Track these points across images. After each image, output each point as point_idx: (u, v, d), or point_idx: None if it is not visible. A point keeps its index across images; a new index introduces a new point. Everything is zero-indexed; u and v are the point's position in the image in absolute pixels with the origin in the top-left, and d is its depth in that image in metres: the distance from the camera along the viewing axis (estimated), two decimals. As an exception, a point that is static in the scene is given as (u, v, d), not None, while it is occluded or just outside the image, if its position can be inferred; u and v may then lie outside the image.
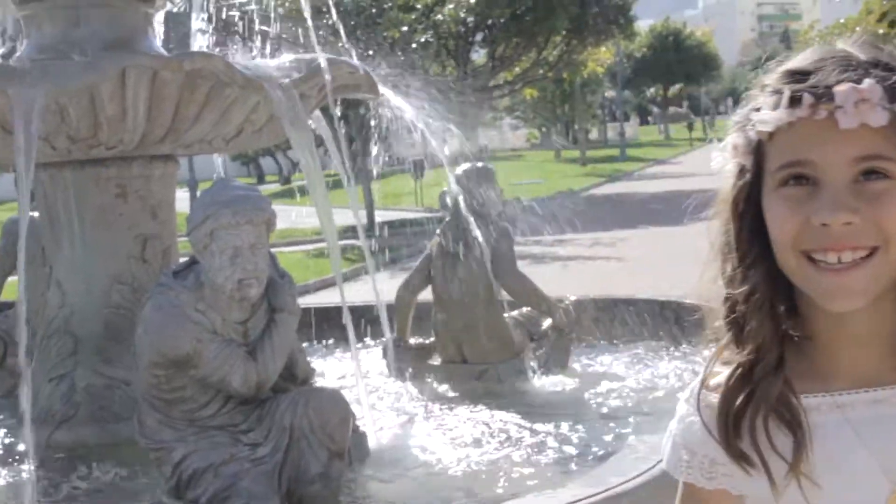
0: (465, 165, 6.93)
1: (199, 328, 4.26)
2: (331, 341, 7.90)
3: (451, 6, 25.13)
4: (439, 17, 25.24)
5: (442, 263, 6.76)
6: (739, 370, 1.27)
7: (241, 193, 4.33)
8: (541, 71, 30.14)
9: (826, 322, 1.24)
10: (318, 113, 6.25)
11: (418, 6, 24.96)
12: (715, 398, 1.31)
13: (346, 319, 5.25)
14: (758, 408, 1.25)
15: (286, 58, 5.49)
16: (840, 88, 1.16)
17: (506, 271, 6.68)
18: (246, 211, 4.23)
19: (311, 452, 4.34)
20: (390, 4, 24.22)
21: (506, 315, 6.85)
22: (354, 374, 5.84)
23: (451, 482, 4.75)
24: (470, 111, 26.40)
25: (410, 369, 6.81)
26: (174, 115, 5.03)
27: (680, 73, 61.57)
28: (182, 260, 4.91)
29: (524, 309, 7.01)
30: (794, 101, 1.18)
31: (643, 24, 52.98)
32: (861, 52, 1.22)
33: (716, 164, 1.30)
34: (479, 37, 28.37)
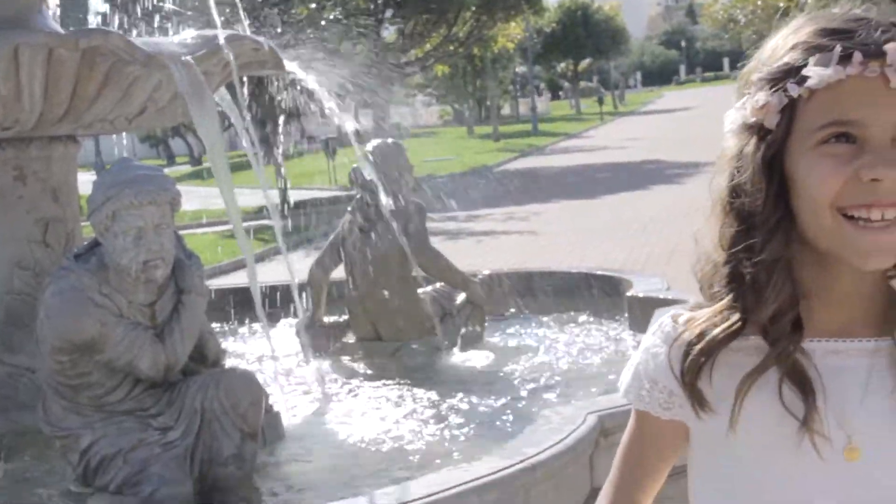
0: (376, 142, 6.88)
1: (103, 312, 4.16)
2: (245, 322, 7.81)
3: (359, -18, 24.94)
4: (348, -7, 25.04)
5: (353, 241, 6.72)
6: (737, 324, 1.28)
7: (143, 173, 4.23)
8: (451, 47, 30.16)
9: (820, 282, 1.27)
10: (224, 92, 6.13)
11: (327, -17, 24.73)
12: (687, 335, 1.32)
13: (256, 299, 5.18)
14: (769, 366, 1.26)
15: (189, 34, 5.36)
16: (891, 46, 1.16)
17: (419, 247, 6.67)
18: (149, 191, 4.14)
19: (223, 434, 4.28)
20: (298, -19, 23.95)
21: (420, 291, 6.84)
22: (268, 355, 5.78)
23: (366, 460, 4.73)
24: (382, 88, 26.25)
25: (325, 348, 6.77)
26: (72, 95, 4.88)
27: (589, 48, 62.03)
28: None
29: (438, 285, 7.01)
30: (844, 58, 1.17)
31: (552, 0, 53.28)
32: (879, 15, 1.23)
33: (730, 122, 1.29)
34: (388, 13, 28.24)
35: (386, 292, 6.61)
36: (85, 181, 5.49)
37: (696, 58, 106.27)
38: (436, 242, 7.22)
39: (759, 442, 1.29)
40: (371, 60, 25.59)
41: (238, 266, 13.91)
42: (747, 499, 1.31)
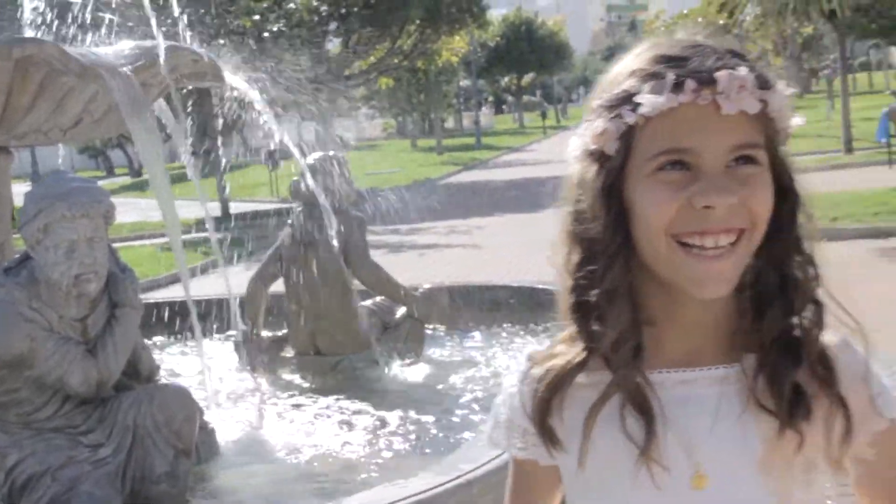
0: (317, 154, 6.84)
1: (33, 326, 4.08)
2: (183, 336, 7.71)
3: (303, -6, 24.86)
4: (291, 5, 24.93)
5: (293, 254, 6.67)
6: (583, 356, 1.27)
7: (76, 185, 4.16)
8: (395, 60, 30.15)
9: (664, 309, 1.26)
10: (163, 103, 6.06)
11: (270, -6, 24.61)
12: (540, 372, 1.31)
13: (192, 313, 5.12)
14: (610, 393, 1.24)
15: (126, 45, 5.28)
16: (721, 74, 1.16)
17: (359, 261, 6.64)
18: (81, 204, 4.07)
19: (156, 451, 4.21)
20: (241, -8, 23.81)
21: (360, 305, 6.81)
22: (204, 369, 5.71)
23: (303, 476, 4.69)
24: (325, 101, 26.17)
25: (263, 362, 6.70)
26: (5, 105, 4.79)
27: (533, 62, 62.42)
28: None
29: (378, 298, 6.98)
30: (677, 86, 1.17)
31: (496, 14, 53.54)
32: (715, 43, 1.23)
33: (573, 149, 1.27)
34: (332, 26, 28.18)
35: (325, 306, 6.56)
36: (20, 193, 5.38)
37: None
38: (377, 255, 7.19)
39: (606, 475, 1.27)
40: (314, 73, 25.49)
41: (177, 279, 13.72)
42: None
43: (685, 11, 52.74)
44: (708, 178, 1.17)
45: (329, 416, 5.61)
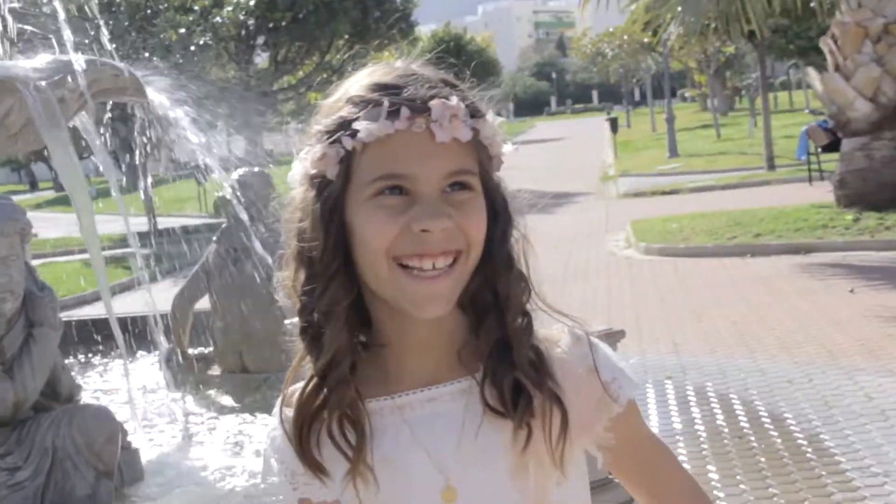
0: (241, 170, 6.78)
1: (-54, 347, 3.96)
2: (107, 354, 7.56)
3: (229, 8, 24.66)
4: (218, 19, 24.73)
5: (219, 270, 6.59)
6: (314, 380, 1.29)
7: (-11, 202, 4.07)
8: (324, 75, 30.05)
9: (396, 330, 1.29)
10: (86, 118, 5.95)
11: (196, 8, 24.37)
12: (289, 412, 1.33)
13: (115, 331, 5.02)
14: (331, 414, 1.28)
15: (43, 58, 5.18)
16: (435, 103, 1.21)
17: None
18: (-4, 221, 3.97)
19: (76, 474, 4.12)
20: (166, 5, 23.53)
21: (286, 322, 6.74)
22: (127, 388, 5.61)
23: (228, 496, 4.62)
24: (253, 115, 25.98)
25: (189, 381, 6.60)
26: (-83, 119, 4.67)
27: (461, 78, 62.65)
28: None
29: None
30: (392, 113, 1.20)
31: (425, 30, 53.69)
32: (429, 72, 1.28)
33: (294, 173, 1.30)
34: (260, 40, 28.02)
35: (251, 323, 6.49)
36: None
37: (566, 89, 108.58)
38: (304, 272, 7.13)
39: (347, 500, 1.31)
40: (243, 86, 25.31)
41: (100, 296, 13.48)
42: None
43: (611, 29, 53.53)
44: (424, 204, 1.21)
45: (254, 436, 5.54)
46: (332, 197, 1.24)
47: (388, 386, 1.31)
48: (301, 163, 1.28)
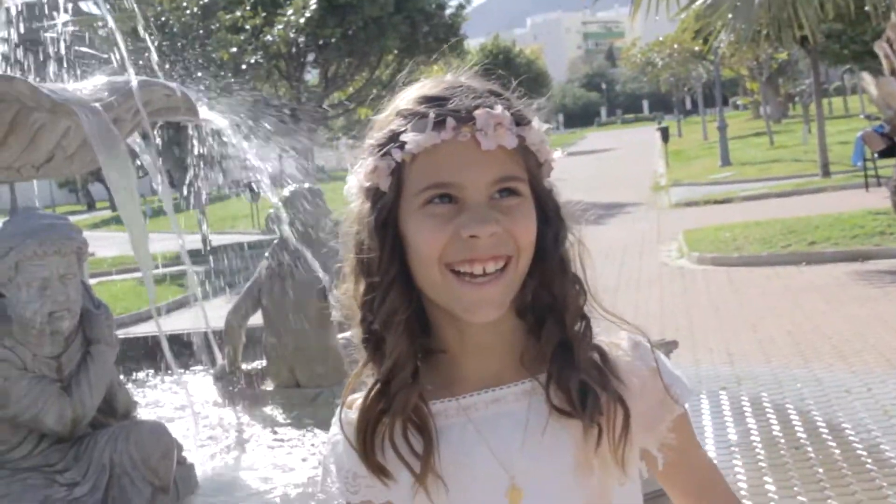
0: (292, 187, 6.83)
1: (6, 365, 4.04)
2: (163, 370, 7.65)
3: (280, 27, 24.91)
4: (269, 37, 24.99)
5: (271, 286, 6.64)
6: (378, 386, 1.34)
7: (46, 223, 4.14)
8: (374, 90, 30.21)
9: (455, 335, 1.33)
10: (139, 138, 6.04)
11: (247, 27, 24.64)
12: (354, 415, 1.37)
13: (165, 348, 5.08)
14: (395, 419, 1.32)
15: (98, 80, 5.27)
16: (479, 112, 1.25)
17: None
18: (53, 240, 4.05)
19: (133, 489, 4.17)
20: (218, 25, 23.83)
21: (340, 336, 6.78)
22: (182, 404, 5.67)
23: (282, 510, 4.64)
24: (304, 132, 26.20)
25: (242, 396, 6.66)
26: (-23, 143, 4.77)
27: (509, 88, 62.62)
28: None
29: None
30: (438, 124, 1.25)
31: (473, 43, 53.82)
32: (476, 83, 1.32)
33: (349, 187, 1.35)
34: (310, 57, 28.25)
35: (303, 338, 6.53)
36: None
37: (616, 100, 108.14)
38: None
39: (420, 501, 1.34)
40: (293, 104, 25.52)
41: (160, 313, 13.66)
42: None
43: (661, 38, 53.21)
44: (472, 210, 1.25)
45: (308, 450, 5.57)
46: (385, 208, 1.29)
47: (451, 389, 1.35)
48: (356, 176, 1.33)
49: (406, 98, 1.31)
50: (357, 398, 1.38)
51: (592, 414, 1.28)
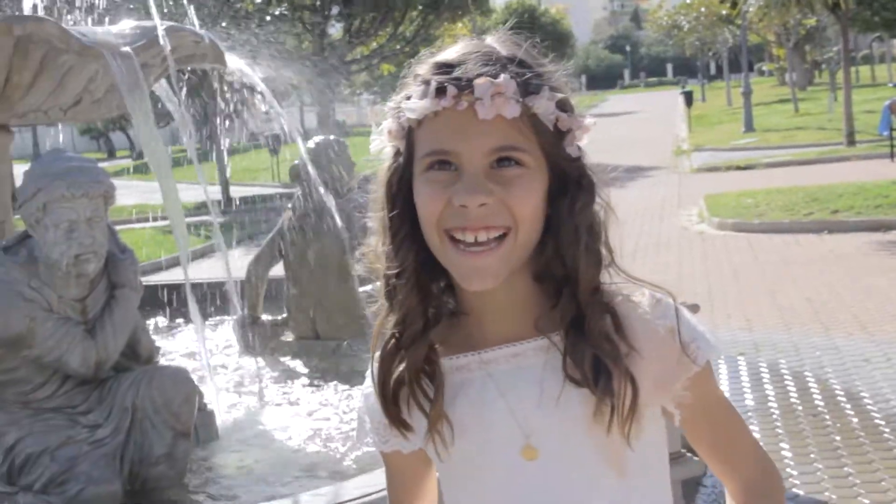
0: (317, 139, 6.82)
1: (32, 306, 4.06)
2: (183, 319, 7.70)
3: (306, -22, 24.76)
4: (294, -11, 24.85)
5: (293, 238, 6.65)
6: (392, 339, 1.36)
7: (75, 165, 4.14)
8: (397, 46, 30.05)
9: (473, 296, 1.34)
10: (165, 85, 6.03)
11: (273, -22, 24.51)
12: (377, 367, 1.39)
13: (190, 297, 5.10)
14: (407, 371, 1.34)
15: (127, 24, 5.25)
16: (479, 82, 1.24)
17: (359, 245, 6.62)
18: (81, 183, 4.05)
19: (154, 433, 4.21)
20: (243, -25, 23.71)
21: (360, 289, 6.79)
22: (203, 352, 5.70)
23: (301, 459, 4.69)
24: (327, 86, 26.13)
25: (262, 346, 6.70)
26: (5, 83, 4.77)
27: (541, 52, 62.20)
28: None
29: (378, 283, 6.95)
30: (440, 91, 1.25)
31: (499, 1, 53.42)
32: (503, 48, 1.31)
33: (374, 146, 1.37)
34: (335, 10, 28.09)
35: (325, 290, 6.55)
36: (21, 174, 5.37)
37: (640, 62, 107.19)
38: (377, 241, 7.16)
39: (434, 453, 1.38)
40: (317, 57, 25.43)
41: (178, 262, 13.70)
42: (461, 501, 1.41)
43: (688, 1, 52.64)
44: (466, 179, 1.26)
45: (326, 400, 5.61)
46: (398, 168, 1.33)
47: (474, 346, 1.36)
48: (378, 136, 1.36)
49: (424, 63, 1.32)
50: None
51: (604, 392, 1.28)
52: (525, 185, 1.27)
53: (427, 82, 1.27)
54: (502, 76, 1.24)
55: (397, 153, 1.34)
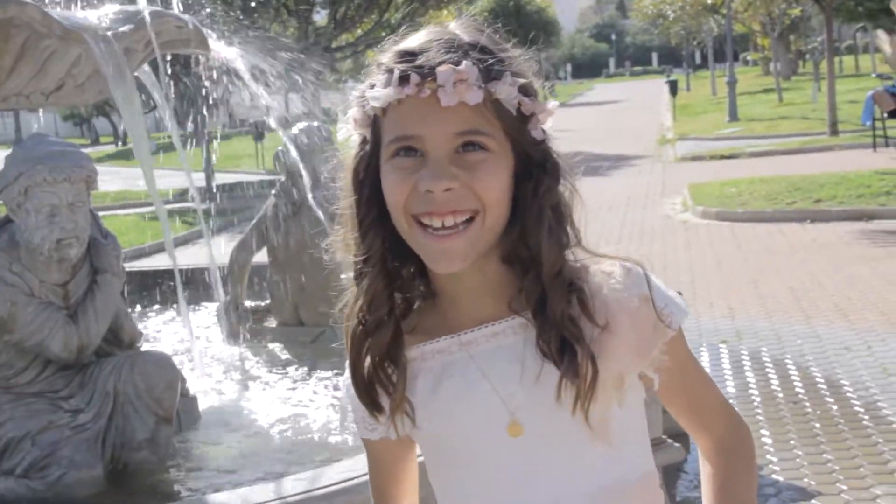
0: (301, 126, 6.80)
1: (13, 290, 4.05)
2: (166, 304, 7.70)
3: (290, -36, 24.65)
4: (279, -25, 24.74)
5: (276, 225, 6.65)
6: (360, 326, 1.38)
7: (57, 149, 4.13)
8: (383, 33, 29.93)
9: (445, 279, 1.37)
10: (149, 71, 6.00)
11: (257, -37, 24.38)
12: (352, 354, 1.41)
13: (178, 282, 5.10)
14: (373, 355, 1.37)
15: (109, 8, 5.22)
16: (441, 69, 1.26)
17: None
18: (63, 168, 4.04)
19: (136, 418, 4.21)
20: (227, -40, 23.56)
21: (342, 277, 6.79)
22: (186, 338, 5.70)
23: (282, 446, 4.69)
24: (312, 73, 26.00)
25: (245, 332, 6.70)
26: (-14, 67, 4.73)
27: (520, 39, 62.12)
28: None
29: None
30: (403, 79, 1.28)
31: (485, -11, 53.25)
32: (465, 35, 1.33)
33: (342, 135, 1.40)
34: (320, -3, 27.97)
35: (308, 277, 6.55)
36: (3, 159, 5.35)
37: (625, 51, 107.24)
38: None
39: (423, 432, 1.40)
40: (302, 44, 25.33)
41: (160, 248, 13.69)
42: (449, 484, 1.43)
43: (673, -10, 52.60)
44: (430, 165, 1.28)
45: (308, 387, 5.61)
46: (365, 156, 1.36)
47: (451, 329, 1.38)
48: (345, 124, 1.39)
49: (387, 51, 1.34)
50: None
51: (566, 370, 1.31)
52: (490, 168, 1.29)
53: (390, 71, 1.29)
54: (464, 63, 1.26)
55: (364, 141, 1.36)
